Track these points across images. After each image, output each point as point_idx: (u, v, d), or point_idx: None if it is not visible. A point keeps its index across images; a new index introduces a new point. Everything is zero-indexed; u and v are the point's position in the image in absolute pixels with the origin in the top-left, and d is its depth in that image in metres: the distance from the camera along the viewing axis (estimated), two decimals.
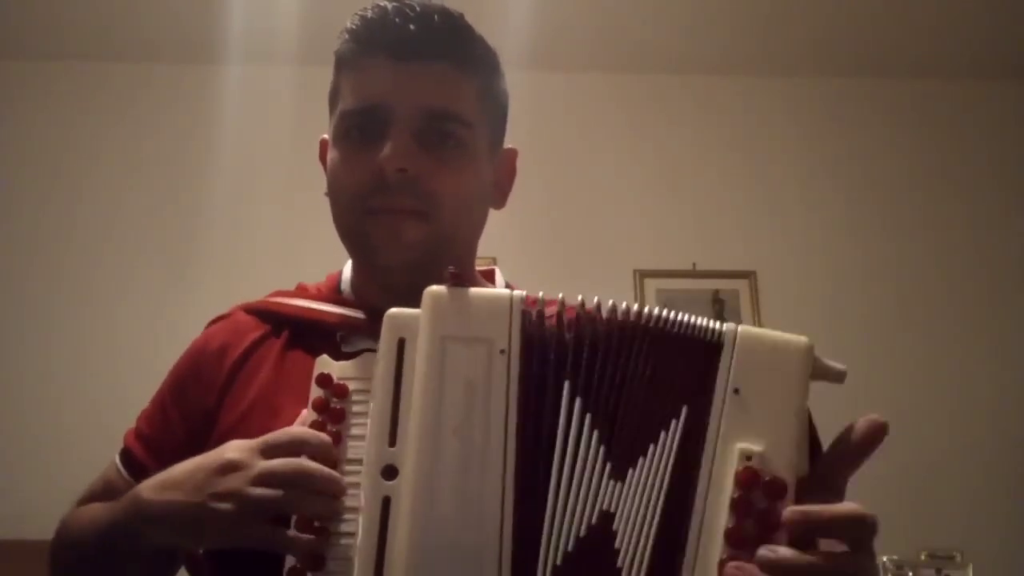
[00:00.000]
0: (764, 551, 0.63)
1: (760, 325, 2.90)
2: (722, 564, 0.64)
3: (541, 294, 0.73)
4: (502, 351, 0.70)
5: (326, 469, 0.72)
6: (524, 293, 0.73)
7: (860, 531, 0.64)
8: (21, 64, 3.14)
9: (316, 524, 0.72)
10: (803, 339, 0.69)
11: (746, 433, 0.67)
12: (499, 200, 1.03)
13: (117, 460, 1.00)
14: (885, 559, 2.54)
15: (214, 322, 1.04)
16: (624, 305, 0.71)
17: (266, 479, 0.72)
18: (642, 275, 3.04)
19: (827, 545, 0.65)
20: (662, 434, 0.68)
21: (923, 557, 2.59)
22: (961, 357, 3.01)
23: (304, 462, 0.72)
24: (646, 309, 0.71)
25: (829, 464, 0.68)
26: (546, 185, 2.81)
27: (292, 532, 0.71)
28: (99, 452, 1.08)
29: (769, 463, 0.66)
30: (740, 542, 0.65)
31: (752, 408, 0.67)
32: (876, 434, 0.67)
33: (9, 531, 2.45)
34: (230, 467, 0.73)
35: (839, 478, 0.68)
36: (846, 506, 0.65)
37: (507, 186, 1.04)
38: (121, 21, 2.98)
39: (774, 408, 0.67)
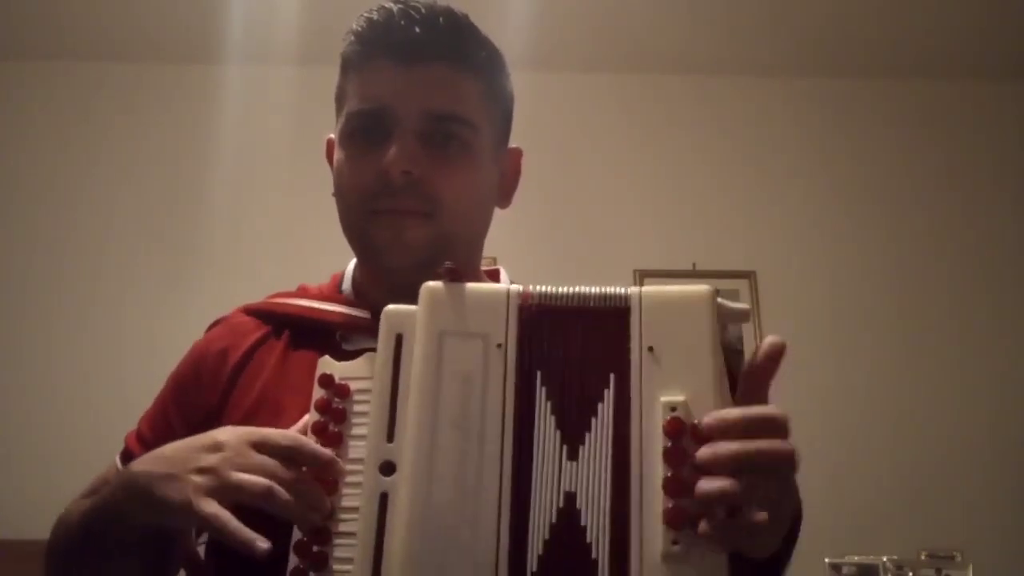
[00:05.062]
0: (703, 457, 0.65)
1: (760, 325, 2.92)
2: (667, 514, 0.66)
3: (539, 287, 0.73)
4: (499, 345, 0.71)
5: (307, 478, 0.72)
6: (520, 287, 0.73)
7: (773, 430, 0.67)
8: (21, 64, 3.14)
9: (320, 524, 0.71)
10: (704, 287, 0.72)
11: (667, 386, 0.69)
12: (504, 200, 1.04)
13: (118, 460, 1.00)
14: (885, 559, 2.54)
15: (215, 324, 1.05)
16: (547, 288, 0.73)
17: (248, 466, 0.72)
18: (642, 275, 3.03)
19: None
20: (599, 406, 0.70)
21: (923, 557, 2.59)
22: (961, 357, 3.01)
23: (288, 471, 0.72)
24: (560, 289, 0.73)
25: (745, 390, 0.71)
26: (546, 185, 2.81)
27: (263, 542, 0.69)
28: (99, 453, 1.08)
29: (693, 409, 0.68)
30: (679, 489, 0.66)
31: (668, 362, 0.70)
32: (777, 353, 0.70)
33: (9, 531, 2.46)
34: (218, 447, 0.74)
35: (755, 398, 0.70)
36: (753, 409, 0.67)
37: (512, 186, 1.05)
38: (121, 21, 2.98)
39: (688, 357, 0.70)
